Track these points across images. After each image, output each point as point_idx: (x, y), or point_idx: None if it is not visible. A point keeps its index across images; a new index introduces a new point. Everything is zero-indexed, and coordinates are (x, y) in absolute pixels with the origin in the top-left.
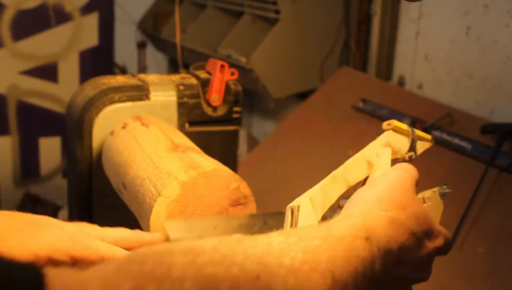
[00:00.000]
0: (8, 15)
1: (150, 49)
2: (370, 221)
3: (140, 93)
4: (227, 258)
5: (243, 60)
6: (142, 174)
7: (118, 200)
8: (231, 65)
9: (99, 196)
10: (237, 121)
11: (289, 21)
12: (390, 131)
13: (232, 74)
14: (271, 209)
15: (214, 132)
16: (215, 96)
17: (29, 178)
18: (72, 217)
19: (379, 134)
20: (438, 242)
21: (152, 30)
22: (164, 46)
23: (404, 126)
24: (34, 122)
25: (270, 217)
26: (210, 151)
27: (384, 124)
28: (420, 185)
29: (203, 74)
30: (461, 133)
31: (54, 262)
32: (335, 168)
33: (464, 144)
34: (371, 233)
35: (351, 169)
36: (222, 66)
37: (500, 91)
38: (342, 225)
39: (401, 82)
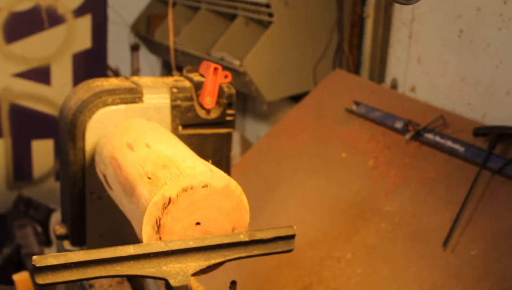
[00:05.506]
0: (1, 17)
1: (143, 52)
2: None
3: (134, 95)
4: None
5: (236, 62)
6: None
7: (111, 202)
8: (224, 67)
9: (91, 199)
10: (231, 124)
11: (282, 24)
12: None
13: (226, 77)
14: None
15: (207, 134)
16: (208, 99)
17: (21, 181)
18: (65, 220)
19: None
20: None
21: (145, 32)
22: (157, 48)
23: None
24: (26, 125)
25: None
26: (203, 153)
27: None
28: (413, 187)
29: (196, 77)
30: (454, 135)
31: None
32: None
33: (456, 146)
34: None
35: None
36: (215, 68)
37: (492, 94)
38: None
39: (394, 85)
